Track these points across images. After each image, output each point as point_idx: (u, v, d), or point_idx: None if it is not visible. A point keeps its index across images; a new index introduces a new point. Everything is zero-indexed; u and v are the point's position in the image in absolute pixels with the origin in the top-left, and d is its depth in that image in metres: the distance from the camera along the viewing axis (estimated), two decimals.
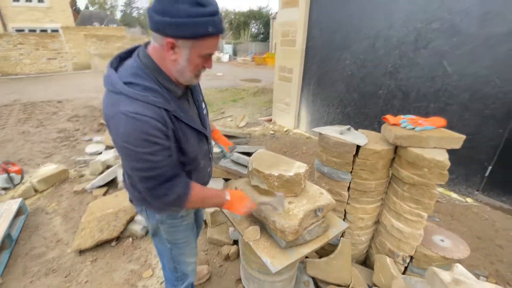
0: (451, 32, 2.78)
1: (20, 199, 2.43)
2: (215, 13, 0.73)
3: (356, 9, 3.68)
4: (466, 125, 2.80)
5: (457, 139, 1.43)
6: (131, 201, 1.16)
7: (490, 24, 2.53)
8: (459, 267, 0.75)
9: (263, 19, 35.46)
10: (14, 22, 15.25)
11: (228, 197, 1.04)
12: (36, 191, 2.86)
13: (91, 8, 57.33)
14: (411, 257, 1.66)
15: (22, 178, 3.02)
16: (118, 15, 58.29)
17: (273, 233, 1.32)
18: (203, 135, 1.04)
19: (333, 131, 1.70)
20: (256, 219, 1.43)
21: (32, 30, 15.27)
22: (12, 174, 2.86)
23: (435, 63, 2.96)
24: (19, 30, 14.53)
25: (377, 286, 1.64)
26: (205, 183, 1.22)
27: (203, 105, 1.10)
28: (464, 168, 2.94)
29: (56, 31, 15.81)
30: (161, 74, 0.83)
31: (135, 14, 62.38)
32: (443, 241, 1.66)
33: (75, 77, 11.76)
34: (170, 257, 1.24)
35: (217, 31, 0.76)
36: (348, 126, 1.73)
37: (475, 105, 2.74)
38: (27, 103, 6.55)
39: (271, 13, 32.10)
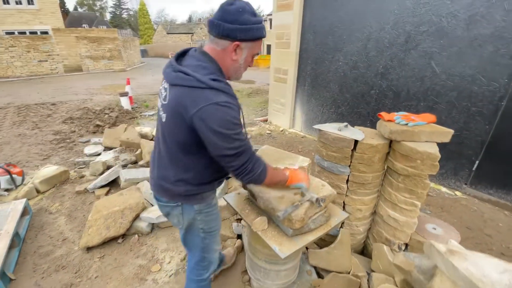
0: (438, 34, 2.95)
1: (24, 200, 2.46)
2: (262, 22, 0.98)
3: (347, 13, 3.83)
4: (454, 122, 2.96)
5: (446, 133, 1.56)
6: (157, 198, 1.22)
7: (475, 26, 2.70)
8: (452, 241, 0.86)
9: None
10: (4, 25, 15.00)
11: (287, 173, 1.22)
12: (38, 192, 2.87)
13: (80, 10, 56.52)
14: (406, 245, 1.78)
15: (23, 179, 3.02)
16: (108, 16, 57.61)
17: (280, 223, 1.42)
18: None
19: (332, 128, 1.81)
20: (263, 211, 1.52)
21: (22, 33, 15.04)
22: (14, 176, 2.87)
23: (424, 63, 3.12)
24: (9, 33, 14.27)
25: (376, 272, 1.74)
26: None
27: None
28: (452, 163, 3.10)
29: (46, 33, 15.59)
30: (222, 73, 1.02)
31: (125, 15, 61.79)
32: (435, 229, 1.79)
33: (66, 80, 11.63)
34: (201, 247, 1.32)
35: (265, 35, 0.99)
36: (345, 123, 1.84)
37: (462, 103, 2.91)
38: (21, 106, 6.47)
39: (263, 16, 32.36)
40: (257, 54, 1.06)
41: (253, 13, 0.94)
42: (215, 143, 0.93)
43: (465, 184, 3.08)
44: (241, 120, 1.01)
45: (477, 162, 2.93)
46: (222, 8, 0.93)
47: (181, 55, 1.07)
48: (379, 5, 3.43)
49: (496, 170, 2.83)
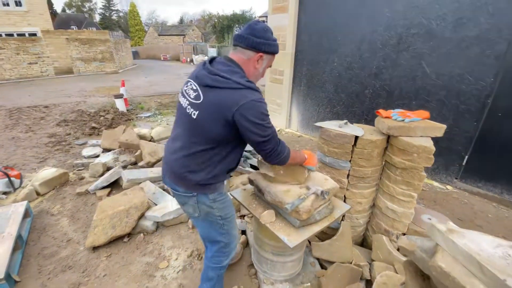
0: (428, 36, 3.09)
1: (25, 202, 2.45)
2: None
3: (341, 16, 3.95)
4: (445, 119, 3.11)
5: (439, 128, 1.67)
6: (175, 188, 1.31)
7: (462, 28, 2.85)
8: (450, 223, 0.95)
9: (247, 23, 35.83)
10: None
11: (306, 156, 1.44)
12: (38, 194, 2.86)
13: (68, 11, 55.49)
14: (404, 234, 1.87)
15: (21, 182, 3.00)
16: (97, 18, 56.73)
17: (287, 215, 1.49)
18: None
19: (332, 125, 1.90)
20: (270, 204, 1.59)
21: (9, 35, 14.68)
22: (12, 179, 2.85)
23: (415, 64, 3.27)
24: None
25: (376, 261, 1.83)
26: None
27: None
28: (443, 158, 3.25)
29: (34, 34, 15.29)
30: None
31: (114, 17, 61.00)
32: (430, 219, 1.89)
33: (57, 82, 11.43)
34: (222, 234, 1.42)
35: (278, 52, 1.25)
36: (345, 121, 1.94)
37: (451, 101, 3.06)
38: (13, 109, 6.35)
39: (255, 17, 32.55)
40: (270, 66, 1.28)
41: (272, 33, 1.20)
42: (254, 132, 1.11)
43: (456, 178, 3.23)
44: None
45: (466, 157, 3.08)
46: (250, 26, 1.17)
47: (210, 62, 1.24)
48: (371, 8, 3.56)
49: (484, 165, 2.99)
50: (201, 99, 1.13)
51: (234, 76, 1.12)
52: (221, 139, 1.18)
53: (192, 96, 1.17)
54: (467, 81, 2.91)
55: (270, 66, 1.29)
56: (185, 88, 1.23)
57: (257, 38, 1.14)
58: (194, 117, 1.16)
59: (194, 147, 1.20)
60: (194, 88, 1.17)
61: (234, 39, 1.20)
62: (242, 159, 1.48)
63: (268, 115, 1.15)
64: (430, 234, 0.90)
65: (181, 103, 1.24)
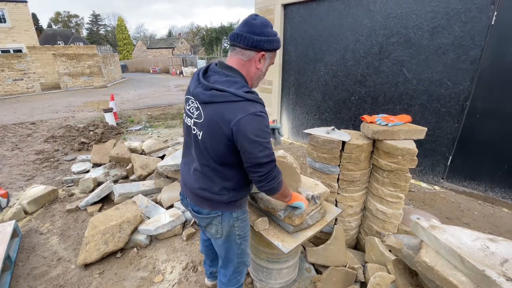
0: (407, 44, 3.26)
1: (13, 221, 2.38)
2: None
3: (326, 27, 4.12)
4: (428, 122, 3.24)
5: (420, 131, 1.76)
6: (197, 212, 1.26)
7: (438, 36, 3.02)
8: (433, 220, 1.00)
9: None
10: None
11: (290, 193, 1.27)
12: (26, 213, 2.79)
13: (54, 27, 55.17)
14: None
15: (8, 201, 2.92)
16: (84, 33, 56.57)
17: (280, 221, 1.52)
18: None
19: (321, 132, 1.97)
20: (263, 212, 1.61)
21: None
22: None
23: (396, 70, 3.42)
24: None
25: (370, 263, 1.87)
26: None
27: None
28: (429, 160, 3.37)
29: (20, 51, 15.11)
30: (247, 84, 1.09)
31: (102, 31, 60.99)
32: (419, 218, 1.96)
33: (44, 98, 11.25)
34: (238, 254, 1.36)
35: (280, 46, 1.11)
36: (332, 127, 2.01)
37: (433, 105, 3.20)
38: None
39: None
40: (273, 63, 1.16)
41: (272, 27, 1.07)
42: (250, 151, 0.99)
43: (442, 178, 3.34)
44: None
45: (450, 157, 3.20)
46: (248, 22, 1.02)
47: (204, 72, 1.13)
48: (353, 19, 3.74)
49: (467, 164, 3.11)
50: (202, 118, 1.04)
51: (233, 87, 1.00)
52: (231, 161, 1.09)
53: (195, 115, 1.08)
54: (446, 85, 3.06)
55: (273, 63, 1.17)
56: (188, 107, 1.13)
57: (258, 36, 1.01)
58: (200, 138, 1.07)
59: (208, 170, 1.13)
60: (196, 106, 1.07)
61: (231, 39, 1.06)
62: None
63: (268, 132, 1.02)
64: (415, 231, 0.95)
65: (187, 123, 1.15)
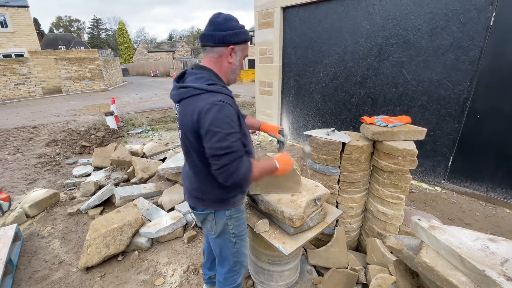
0: (406, 45, 3.27)
1: (15, 225, 2.39)
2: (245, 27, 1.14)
3: (325, 29, 4.14)
4: (428, 123, 3.24)
5: (420, 132, 1.76)
6: (193, 208, 1.30)
7: (437, 37, 3.03)
8: (433, 221, 1.00)
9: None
10: None
11: (278, 166, 1.21)
12: (28, 216, 2.79)
13: (55, 31, 55.60)
14: None
15: (10, 205, 2.93)
16: (86, 37, 56.97)
17: (281, 223, 1.52)
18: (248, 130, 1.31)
19: (321, 133, 1.97)
20: (264, 214, 1.62)
21: None
22: (0, 202, 2.78)
23: (396, 72, 3.43)
24: None
25: (371, 265, 1.86)
26: None
27: None
28: (430, 161, 3.36)
29: (21, 55, 15.23)
30: (221, 79, 1.12)
31: (103, 36, 61.40)
32: (420, 219, 1.95)
33: (46, 102, 11.31)
34: (233, 252, 1.37)
35: (250, 38, 1.15)
36: (332, 128, 2.02)
37: (433, 106, 3.20)
38: None
39: None
40: (246, 56, 1.17)
41: (237, 21, 1.09)
42: (207, 141, 0.98)
43: (443, 179, 3.34)
44: (240, 122, 1.08)
45: (451, 158, 3.20)
46: (212, 21, 1.06)
47: (181, 77, 1.16)
48: (352, 21, 3.75)
49: (468, 165, 3.11)
50: (179, 118, 1.09)
51: (197, 82, 1.03)
52: (205, 155, 1.07)
53: (177, 117, 1.13)
54: (446, 86, 3.06)
55: (247, 56, 1.17)
56: (176, 111, 1.17)
57: (223, 31, 1.04)
58: (181, 137, 1.14)
59: (195, 169, 1.17)
60: (176, 106, 1.12)
61: (201, 40, 1.10)
62: None
63: (230, 123, 0.99)
64: (415, 231, 0.95)
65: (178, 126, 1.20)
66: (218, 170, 1.02)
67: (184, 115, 1.04)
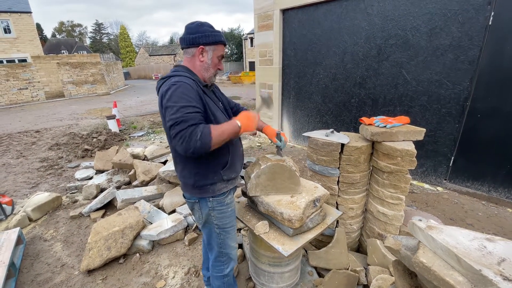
0: (405, 46, 3.28)
1: (17, 228, 2.41)
2: (220, 32, 1.28)
3: (324, 30, 4.15)
4: (428, 123, 3.24)
5: (419, 132, 1.76)
6: (184, 197, 1.42)
7: (436, 37, 3.03)
8: (431, 221, 1.00)
9: (236, 40, 36.77)
10: None
11: (239, 124, 1.17)
12: (30, 220, 2.82)
13: (58, 36, 56.16)
14: None
15: (13, 209, 2.96)
16: (88, 41, 57.49)
17: (280, 225, 1.52)
18: (228, 117, 1.38)
19: (320, 134, 1.98)
20: (263, 215, 1.62)
21: None
22: (3, 205, 2.81)
23: (396, 72, 3.43)
24: None
25: (372, 265, 1.85)
26: (240, 156, 1.46)
27: (224, 101, 1.48)
28: (431, 161, 3.35)
29: (24, 60, 15.39)
30: (194, 75, 1.26)
31: (105, 40, 61.90)
32: (421, 220, 1.94)
33: (49, 106, 11.41)
34: (218, 243, 1.44)
35: (224, 41, 1.28)
36: (331, 129, 2.02)
37: (433, 106, 3.20)
38: (3, 135, 6.30)
39: (243, 34, 33.48)
40: (223, 57, 1.31)
41: (211, 26, 1.24)
42: (165, 116, 1.08)
43: (445, 179, 3.32)
44: (202, 101, 1.16)
45: (452, 158, 3.18)
46: (186, 27, 1.24)
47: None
48: (351, 22, 3.77)
49: (469, 164, 3.09)
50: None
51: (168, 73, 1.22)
52: None
53: None
54: (445, 86, 3.06)
55: (223, 56, 1.32)
56: None
57: (193, 34, 1.20)
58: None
59: (175, 154, 1.29)
60: None
61: (180, 44, 1.28)
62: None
63: (184, 99, 1.07)
64: (412, 231, 0.96)
65: None
66: (174, 139, 1.04)
67: (158, 102, 1.18)
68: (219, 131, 1.10)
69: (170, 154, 4.16)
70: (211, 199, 1.33)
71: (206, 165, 1.27)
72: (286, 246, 1.42)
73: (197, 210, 1.38)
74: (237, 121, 1.18)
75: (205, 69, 1.27)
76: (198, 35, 1.20)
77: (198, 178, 1.28)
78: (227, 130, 1.13)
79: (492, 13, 2.66)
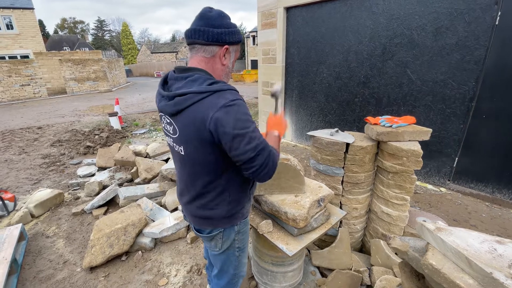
0: (411, 45, 3.25)
1: (20, 225, 2.41)
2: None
3: (328, 29, 4.12)
4: (432, 124, 3.21)
5: (425, 132, 1.74)
6: (198, 231, 1.15)
7: (442, 37, 3.00)
8: (439, 222, 0.99)
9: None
10: None
11: (277, 133, 1.11)
12: (32, 216, 2.82)
13: (60, 33, 56.21)
14: None
15: (15, 205, 2.96)
16: (90, 38, 57.50)
17: (284, 224, 1.51)
18: None
19: (324, 134, 1.96)
20: (267, 214, 1.61)
21: (1, 57, 14.76)
22: (6, 202, 2.81)
23: (400, 72, 3.40)
24: None
25: (375, 266, 1.84)
26: None
27: None
28: (435, 161, 3.33)
29: (26, 57, 15.40)
30: (211, 77, 0.99)
31: (107, 37, 61.92)
32: (425, 221, 1.93)
33: (51, 103, 11.42)
34: (235, 265, 1.26)
35: (242, 39, 1.02)
36: (336, 129, 2.00)
37: (437, 106, 3.17)
38: (5, 131, 6.31)
39: (245, 32, 33.39)
40: (237, 59, 1.09)
41: (230, 18, 0.97)
42: (236, 147, 0.87)
43: (448, 180, 3.30)
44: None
45: (456, 159, 3.16)
46: (204, 15, 0.92)
47: (165, 83, 1.03)
48: (356, 21, 3.74)
49: (474, 165, 3.07)
50: (178, 132, 0.95)
51: (194, 85, 0.89)
52: (222, 168, 0.98)
53: (171, 132, 0.98)
54: (451, 86, 3.03)
55: (238, 58, 1.15)
56: (163, 125, 1.04)
57: (218, 28, 0.91)
58: (183, 153, 0.98)
59: (199, 186, 1.03)
60: (168, 121, 0.98)
61: (188, 36, 0.94)
62: None
63: (249, 120, 0.89)
64: (420, 233, 0.94)
65: (168, 142, 1.07)
66: (255, 172, 0.90)
67: (187, 127, 0.90)
68: (277, 148, 1.03)
69: None
70: (238, 223, 1.15)
71: (240, 188, 1.08)
72: (290, 246, 1.41)
73: (218, 239, 1.14)
74: (275, 132, 1.11)
75: (225, 74, 1.02)
76: (224, 31, 0.92)
77: (233, 206, 1.07)
78: (278, 143, 1.08)
79: (499, 13, 2.63)
